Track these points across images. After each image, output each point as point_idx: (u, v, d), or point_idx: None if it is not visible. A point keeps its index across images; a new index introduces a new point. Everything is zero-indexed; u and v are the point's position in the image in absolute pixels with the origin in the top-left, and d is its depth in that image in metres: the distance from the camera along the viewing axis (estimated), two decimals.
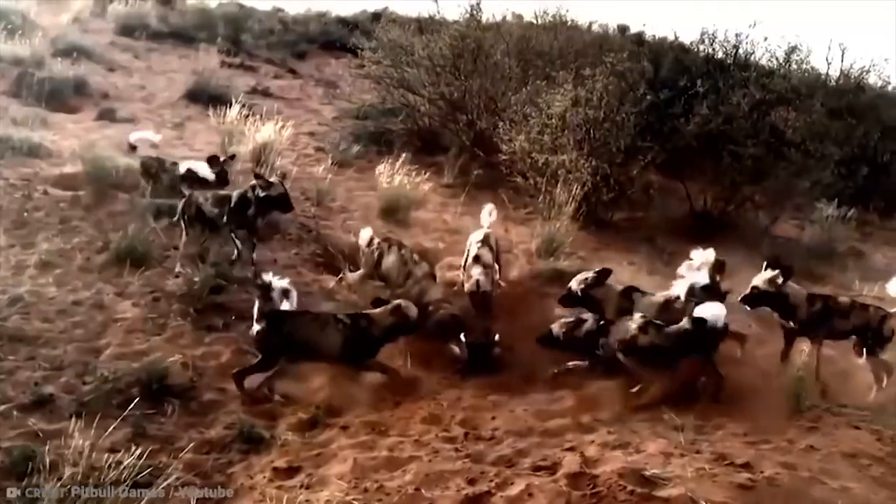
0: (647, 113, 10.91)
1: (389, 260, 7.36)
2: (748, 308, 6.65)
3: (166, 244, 7.90)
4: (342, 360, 6.18)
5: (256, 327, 6.04)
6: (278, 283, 6.13)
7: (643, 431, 5.44)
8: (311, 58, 19.15)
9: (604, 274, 6.79)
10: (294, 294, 6.25)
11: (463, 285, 7.70)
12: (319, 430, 5.58)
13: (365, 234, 7.64)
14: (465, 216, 10.02)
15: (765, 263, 6.67)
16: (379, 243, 7.50)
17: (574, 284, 6.85)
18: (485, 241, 7.69)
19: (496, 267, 7.80)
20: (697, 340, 6.02)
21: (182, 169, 8.47)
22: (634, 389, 6.06)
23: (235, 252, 7.94)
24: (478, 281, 7.17)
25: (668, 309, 6.58)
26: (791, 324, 6.65)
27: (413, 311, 6.41)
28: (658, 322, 6.18)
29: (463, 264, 7.86)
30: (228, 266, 7.63)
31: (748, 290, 6.58)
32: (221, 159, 8.63)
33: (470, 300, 7.22)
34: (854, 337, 6.68)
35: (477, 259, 7.46)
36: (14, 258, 7.34)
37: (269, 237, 8.50)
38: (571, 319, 6.52)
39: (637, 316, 6.29)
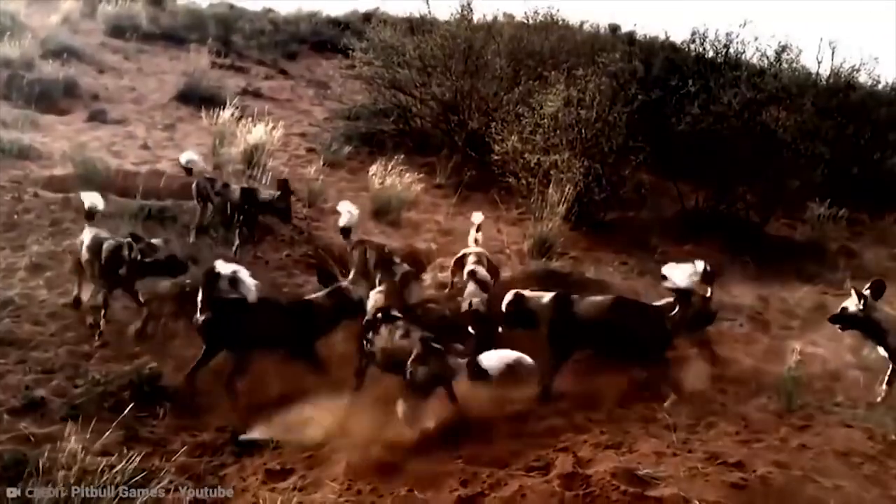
0: (639, 113, 10.93)
1: (370, 263, 7.29)
2: (838, 328, 6.29)
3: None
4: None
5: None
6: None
7: (636, 431, 5.43)
8: (301, 58, 19.11)
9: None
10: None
11: (452, 286, 7.75)
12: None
13: (345, 211, 7.45)
14: (458, 217, 10.02)
15: (851, 288, 6.25)
16: (356, 244, 7.45)
17: None
18: (479, 259, 7.55)
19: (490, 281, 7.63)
20: None
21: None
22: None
23: (235, 247, 8.00)
24: (471, 302, 7.08)
25: None
26: (882, 351, 6.16)
27: (356, 293, 6.28)
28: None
29: (452, 270, 7.83)
30: None
31: (838, 311, 6.22)
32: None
33: (465, 318, 7.10)
34: None
35: (473, 275, 7.28)
36: (4, 261, 7.31)
37: (260, 238, 8.49)
38: None
39: (400, 323, 5.87)
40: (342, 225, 7.44)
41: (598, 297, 6.17)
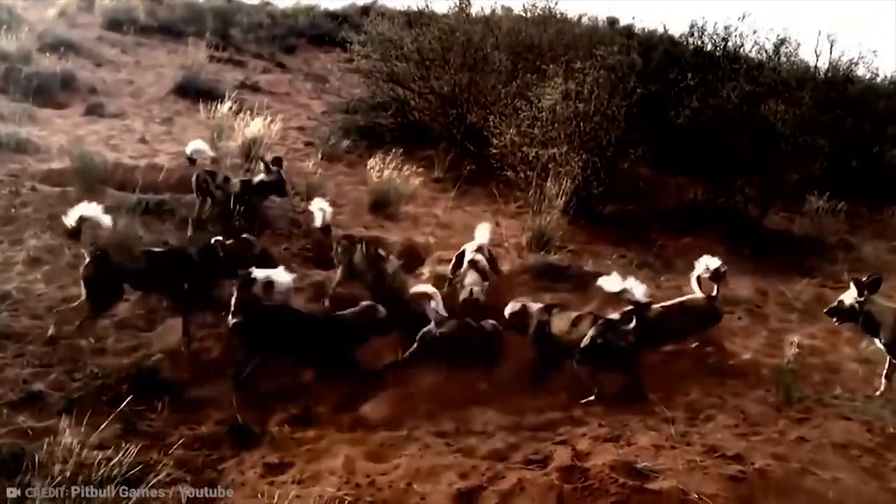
0: (637, 106, 10.90)
1: (356, 260, 7.28)
2: (835, 321, 6.34)
3: (154, 241, 7.83)
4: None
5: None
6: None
7: (634, 424, 5.44)
8: (299, 52, 19.12)
9: None
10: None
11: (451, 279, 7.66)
12: (310, 425, 5.56)
13: (317, 209, 7.52)
14: (456, 210, 10.00)
15: (850, 280, 6.22)
16: (340, 240, 7.43)
17: None
18: (480, 249, 7.50)
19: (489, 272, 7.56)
20: None
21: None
22: None
23: None
24: (471, 290, 7.07)
25: None
26: (877, 342, 6.16)
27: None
28: None
29: (452, 265, 7.74)
30: None
31: (834, 303, 6.27)
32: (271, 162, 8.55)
33: (461, 305, 7.04)
34: None
35: (473, 264, 7.27)
36: (2, 255, 7.29)
37: (259, 232, 8.47)
38: None
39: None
40: (319, 225, 7.50)
41: (571, 314, 6.35)
